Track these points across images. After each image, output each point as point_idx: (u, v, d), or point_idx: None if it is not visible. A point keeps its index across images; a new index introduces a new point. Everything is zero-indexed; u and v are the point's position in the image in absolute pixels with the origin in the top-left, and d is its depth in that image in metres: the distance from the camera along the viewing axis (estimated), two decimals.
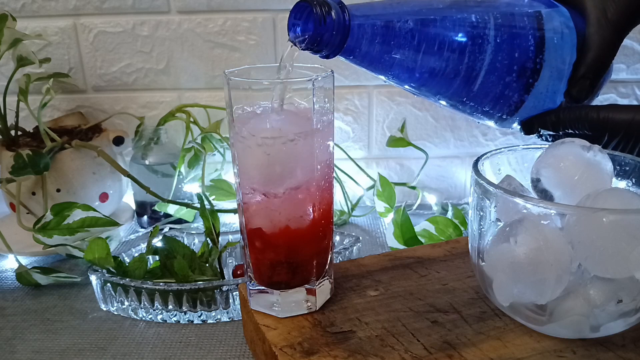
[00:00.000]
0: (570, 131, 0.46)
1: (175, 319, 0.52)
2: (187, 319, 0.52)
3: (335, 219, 0.73)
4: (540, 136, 0.49)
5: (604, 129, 0.44)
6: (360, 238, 0.60)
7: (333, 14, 0.38)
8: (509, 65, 0.44)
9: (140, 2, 0.73)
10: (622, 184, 0.42)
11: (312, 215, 0.40)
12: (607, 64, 0.46)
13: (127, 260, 0.57)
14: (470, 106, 0.46)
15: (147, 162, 0.71)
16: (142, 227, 0.74)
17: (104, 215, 0.58)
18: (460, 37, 0.42)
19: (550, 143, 0.45)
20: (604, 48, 0.45)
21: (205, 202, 0.58)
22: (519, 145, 0.44)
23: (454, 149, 0.80)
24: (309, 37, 0.39)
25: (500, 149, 0.44)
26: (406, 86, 0.45)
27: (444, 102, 0.46)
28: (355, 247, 0.59)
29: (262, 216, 0.39)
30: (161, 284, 0.50)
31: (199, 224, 0.71)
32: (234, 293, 0.50)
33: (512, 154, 0.44)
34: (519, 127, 0.49)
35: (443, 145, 0.80)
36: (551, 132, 0.47)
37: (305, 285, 0.42)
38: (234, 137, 0.38)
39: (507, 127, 0.49)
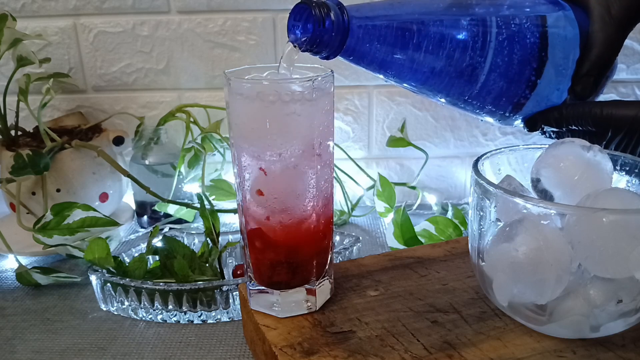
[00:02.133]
0: (573, 127, 0.46)
1: (175, 319, 0.52)
2: (187, 319, 0.52)
3: (335, 219, 0.73)
4: (543, 133, 0.49)
5: (608, 126, 0.44)
6: (360, 238, 0.60)
7: (332, 15, 0.38)
8: (512, 64, 0.44)
9: (140, 2, 0.73)
10: (622, 183, 0.42)
11: (312, 215, 0.40)
12: (611, 61, 0.46)
13: (127, 260, 0.57)
14: (472, 104, 0.46)
15: (147, 162, 0.71)
16: (142, 227, 0.74)
17: (104, 215, 0.58)
18: (462, 37, 0.42)
19: (553, 140, 0.45)
20: (607, 45, 0.45)
21: (205, 202, 0.58)
22: (519, 145, 0.44)
23: (454, 149, 0.80)
24: (309, 39, 0.39)
25: (500, 149, 0.44)
26: (407, 85, 0.45)
27: (445, 101, 0.46)
28: (355, 247, 0.59)
29: (261, 215, 0.40)
30: (161, 284, 0.50)
31: (199, 224, 0.71)
32: (234, 293, 0.50)
33: (512, 154, 0.44)
34: (522, 124, 0.49)
35: (443, 145, 0.80)
36: (554, 129, 0.47)
37: (305, 285, 0.42)
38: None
39: (510, 124, 0.49)
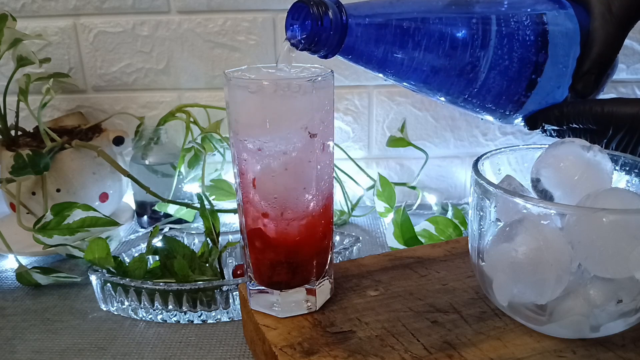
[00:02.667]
0: (574, 125, 0.46)
1: (175, 319, 0.52)
2: (187, 319, 0.52)
3: (335, 219, 0.73)
4: (544, 132, 0.49)
5: (609, 123, 0.43)
6: (360, 238, 0.60)
7: (330, 13, 0.38)
8: (512, 63, 0.43)
9: (140, 2, 0.73)
10: (622, 183, 0.42)
11: (312, 215, 0.40)
12: (612, 58, 0.46)
13: (127, 260, 0.57)
14: (472, 103, 0.46)
15: (147, 162, 0.71)
16: (142, 227, 0.74)
17: (104, 215, 0.58)
18: (461, 35, 0.42)
19: (554, 139, 0.45)
20: (608, 43, 0.45)
21: (205, 202, 0.58)
22: (519, 145, 0.44)
23: (454, 149, 0.80)
24: (307, 37, 0.39)
25: (500, 149, 0.44)
26: (407, 84, 0.45)
27: (445, 99, 0.46)
28: (355, 247, 0.59)
29: (261, 215, 0.40)
30: (161, 284, 0.50)
31: (199, 224, 0.71)
32: (234, 293, 0.50)
33: (512, 154, 0.44)
34: (522, 123, 0.49)
35: (443, 145, 0.80)
36: (555, 127, 0.47)
37: (305, 285, 0.42)
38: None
39: (510, 123, 0.49)
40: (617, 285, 0.34)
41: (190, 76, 0.77)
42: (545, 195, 0.40)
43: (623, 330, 0.37)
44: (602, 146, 0.43)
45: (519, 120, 0.49)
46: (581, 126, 0.45)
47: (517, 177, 0.41)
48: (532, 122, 0.48)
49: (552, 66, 0.45)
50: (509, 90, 0.45)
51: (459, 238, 0.56)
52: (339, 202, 0.74)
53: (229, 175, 0.77)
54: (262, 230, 0.40)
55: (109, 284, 0.52)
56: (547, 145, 0.41)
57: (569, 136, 0.47)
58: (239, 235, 0.58)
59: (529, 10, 0.44)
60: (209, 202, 0.61)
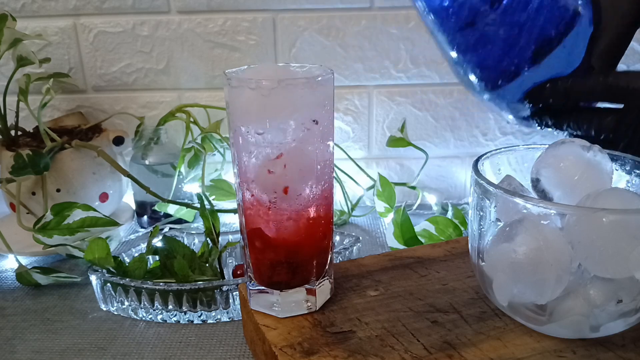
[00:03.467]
0: (581, 104, 0.44)
1: (175, 319, 0.52)
2: (187, 319, 0.52)
3: (335, 219, 0.73)
4: (541, 123, 0.48)
5: (623, 97, 0.41)
6: (360, 238, 0.60)
7: None
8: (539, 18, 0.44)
9: (140, 2, 0.73)
10: (622, 183, 0.42)
11: (312, 215, 0.40)
12: (630, 33, 0.45)
13: (127, 260, 0.57)
14: (483, 52, 0.45)
15: (147, 162, 0.71)
16: (142, 227, 0.74)
17: (104, 215, 0.58)
18: None
19: (551, 134, 0.45)
20: (623, 17, 0.44)
21: (205, 202, 0.58)
22: (519, 145, 0.44)
23: (454, 149, 0.80)
24: None
25: (500, 149, 0.44)
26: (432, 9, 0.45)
27: (459, 47, 0.46)
28: (355, 247, 0.59)
29: (260, 215, 0.40)
30: (161, 284, 0.50)
31: (199, 224, 0.71)
32: (234, 293, 0.50)
33: (512, 154, 0.44)
34: (527, 105, 0.48)
35: (443, 145, 0.80)
36: (559, 104, 0.46)
37: (305, 285, 0.42)
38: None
39: (516, 95, 0.48)
40: (617, 285, 0.34)
41: (190, 76, 0.77)
42: (545, 195, 0.40)
43: (623, 330, 0.37)
44: (610, 130, 0.41)
45: (524, 108, 0.48)
46: (588, 103, 0.43)
47: (517, 177, 0.41)
48: (538, 93, 0.46)
49: (576, 35, 0.44)
50: (527, 43, 0.44)
51: (459, 238, 0.56)
52: (339, 202, 0.74)
53: (229, 175, 0.77)
54: (262, 230, 0.40)
55: (109, 284, 0.52)
56: (547, 145, 0.41)
57: (568, 126, 0.46)
58: (239, 235, 0.58)
59: None
60: (209, 202, 0.61)
